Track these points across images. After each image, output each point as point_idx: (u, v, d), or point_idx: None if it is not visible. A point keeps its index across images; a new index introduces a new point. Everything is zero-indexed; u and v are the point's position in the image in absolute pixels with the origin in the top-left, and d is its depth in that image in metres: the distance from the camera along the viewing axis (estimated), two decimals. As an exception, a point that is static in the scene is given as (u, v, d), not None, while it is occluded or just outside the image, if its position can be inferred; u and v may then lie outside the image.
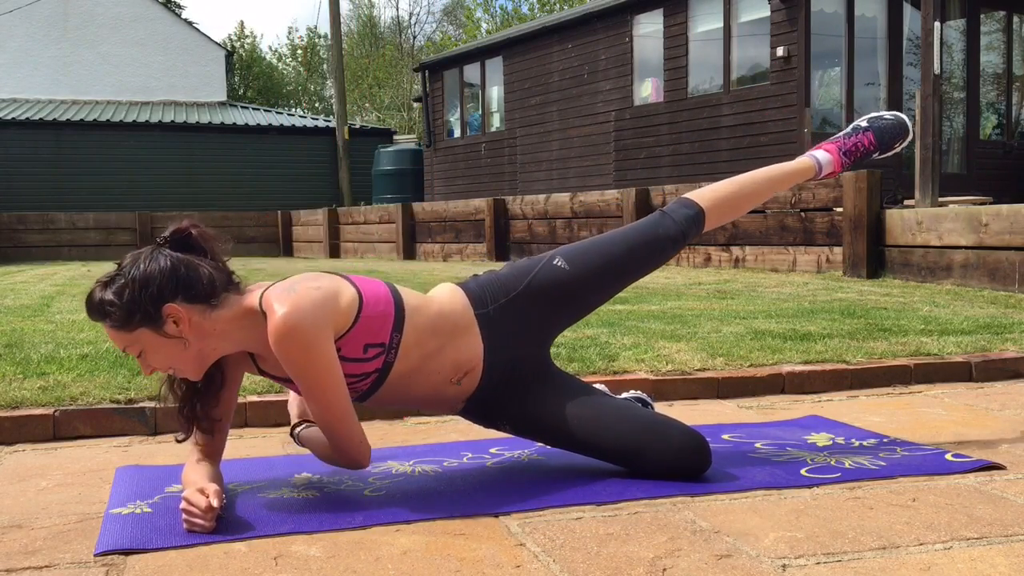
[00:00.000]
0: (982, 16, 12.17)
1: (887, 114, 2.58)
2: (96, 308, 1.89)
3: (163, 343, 1.88)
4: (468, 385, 2.12)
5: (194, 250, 1.94)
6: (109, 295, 1.86)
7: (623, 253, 2.28)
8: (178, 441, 2.07)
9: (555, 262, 2.21)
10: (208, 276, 1.90)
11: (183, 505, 1.81)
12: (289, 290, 1.89)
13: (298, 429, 2.20)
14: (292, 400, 2.26)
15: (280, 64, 43.77)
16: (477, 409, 2.20)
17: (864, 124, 2.55)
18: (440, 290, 2.19)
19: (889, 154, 2.59)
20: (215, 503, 1.79)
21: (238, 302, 1.93)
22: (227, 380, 2.05)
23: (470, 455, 2.40)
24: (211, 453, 2.06)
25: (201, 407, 2.01)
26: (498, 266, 2.43)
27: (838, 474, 2.15)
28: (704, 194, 2.41)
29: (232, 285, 1.95)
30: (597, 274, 2.24)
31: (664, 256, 2.34)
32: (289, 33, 50.14)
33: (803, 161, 2.53)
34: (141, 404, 2.77)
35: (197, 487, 1.84)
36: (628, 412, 2.14)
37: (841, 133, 2.59)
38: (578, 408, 2.14)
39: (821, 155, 2.53)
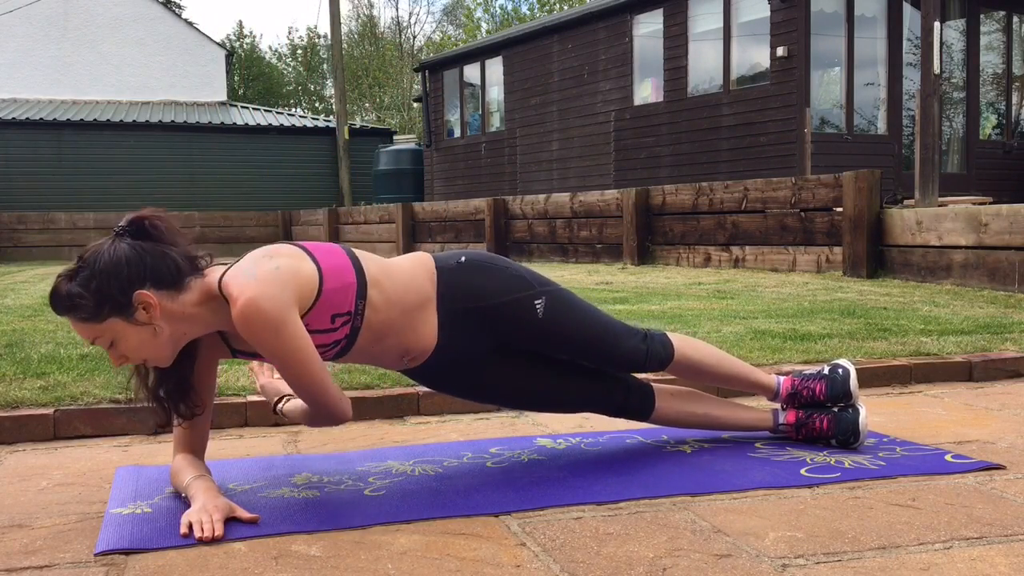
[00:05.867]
0: (982, 16, 12.17)
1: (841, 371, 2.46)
2: (63, 301, 1.82)
3: (134, 331, 1.84)
4: (415, 363, 2.17)
5: (153, 238, 1.89)
6: (76, 287, 1.81)
7: (588, 341, 2.25)
8: (160, 428, 2.07)
9: (536, 303, 2.17)
10: (173, 262, 1.87)
11: (185, 531, 1.78)
12: (247, 273, 1.85)
13: (280, 405, 2.26)
14: (260, 376, 2.35)
15: (280, 64, 43.77)
16: (422, 376, 2.24)
17: (826, 372, 2.47)
18: (410, 259, 2.17)
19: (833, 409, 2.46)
20: (220, 532, 1.77)
21: (201, 286, 1.90)
22: (202, 366, 2.03)
23: (470, 455, 2.40)
24: (196, 448, 2.06)
25: (176, 388, 1.98)
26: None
27: (838, 474, 2.16)
28: (684, 346, 2.40)
29: (196, 270, 1.91)
30: (561, 337, 2.23)
31: (616, 361, 2.31)
32: (289, 33, 50.23)
33: (771, 379, 2.51)
34: (141, 404, 2.77)
35: (206, 508, 1.82)
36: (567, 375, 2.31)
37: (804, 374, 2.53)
38: (529, 378, 2.27)
39: (781, 382, 2.51)
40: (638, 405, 2.36)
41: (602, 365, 2.34)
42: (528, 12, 37.09)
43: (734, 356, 2.62)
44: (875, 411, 2.89)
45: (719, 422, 2.48)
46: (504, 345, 2.23)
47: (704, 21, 12.02)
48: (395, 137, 21.96)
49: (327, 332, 1.96)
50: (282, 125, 21.37)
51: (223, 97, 24.91)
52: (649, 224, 9.35)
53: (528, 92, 15.05)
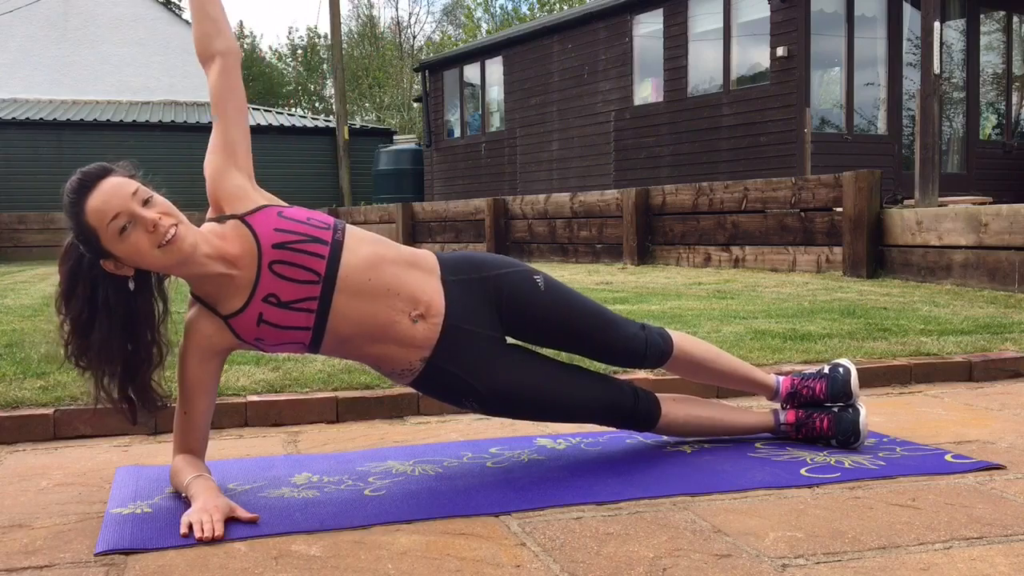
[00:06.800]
0: (982, 16, 12.17)
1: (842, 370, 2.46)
2: (102, 167, 1.99)
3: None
4: (426, 333, 2.07)
5: None
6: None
7: (589, 318, 2.26)
8: (132, 424, 2.08)
9: (535, 276, 2.22)
10: None
11: (185, 531, 1.78)
12: None
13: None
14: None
15: (280, 64, 43.74)
16: (436, 377, 2.14)
17: (826, 371, 2.47)
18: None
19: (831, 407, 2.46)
20: (220, 532, 1.76)
21: None
22: (201, 362, 2.01)
23: (470, 455, 2.40)
24: (196, 448, 2.05)
25: (140, 380, 2.00)
26: None
27: (838, 474, 2.16)
28: (683, 341, 2.40)
29: None
30: (559, 316, 2.23)
31: (618, 348, 2.31)
32: (289, 33, 50.24)
33: (770, 378, 2.52)
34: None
35: (206, 508, 1.82)
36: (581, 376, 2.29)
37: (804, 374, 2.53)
38: (543, 373, 2.22)
39: (781, 381, 2.52)
40: (647, 409, 2.33)
41: (605, 353, 2.33)
42: (528, 12, 37.08)
43: (732, 346, 2.62)
44: (875, 411, 2.89)
45: (723, 425, 2.48)
46: (508, 327, 2.21)
47: (704, 21, 12.02)
48: (395, 137, 21.95)
49: (303, 224, 2.00)
50: (282, 125, 21.35)
51: (223, 97, 24.87)
52: (649, 224, 9.35)
53: (528, 92, 15.05)
